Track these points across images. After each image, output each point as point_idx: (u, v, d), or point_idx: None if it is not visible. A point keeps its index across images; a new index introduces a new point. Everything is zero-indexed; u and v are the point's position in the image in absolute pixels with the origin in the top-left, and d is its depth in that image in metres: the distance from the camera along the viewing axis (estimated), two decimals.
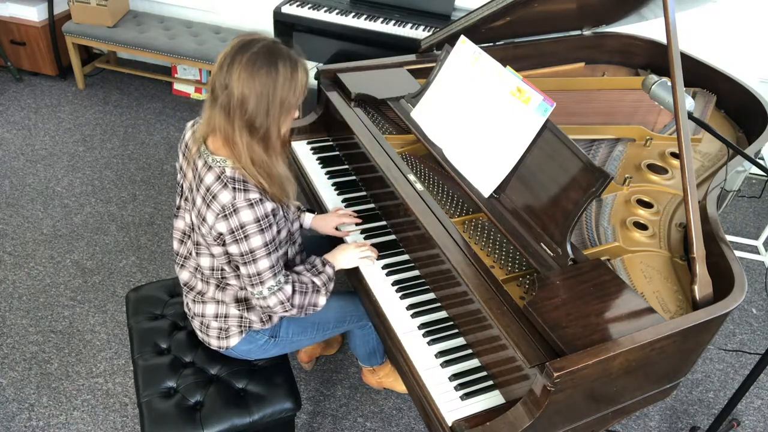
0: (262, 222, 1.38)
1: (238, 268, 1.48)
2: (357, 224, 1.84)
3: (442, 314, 1.61)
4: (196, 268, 1.58)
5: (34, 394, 2.14)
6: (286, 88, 1.34)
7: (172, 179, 3.18)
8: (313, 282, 1.56)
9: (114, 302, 2.49)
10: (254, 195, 1.37)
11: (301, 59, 1.39)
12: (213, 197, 1.37)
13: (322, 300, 1.57)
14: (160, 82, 4.00)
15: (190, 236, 1.57)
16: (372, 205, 1.92)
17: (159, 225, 2.88)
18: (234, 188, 1.36)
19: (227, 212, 1.36)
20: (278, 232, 1.46)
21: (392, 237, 1.82)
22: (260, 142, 1.38)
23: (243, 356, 1.68)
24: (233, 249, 1.41)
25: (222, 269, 1.53)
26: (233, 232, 1.37)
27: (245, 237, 1.38)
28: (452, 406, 1.39)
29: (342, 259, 1.66)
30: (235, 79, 1.31)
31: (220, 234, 1.39)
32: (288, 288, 1.49)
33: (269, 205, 1.40)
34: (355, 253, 1.67)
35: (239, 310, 1.60)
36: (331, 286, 1.61)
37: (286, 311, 1.52)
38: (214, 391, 1.62)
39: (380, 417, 2.18)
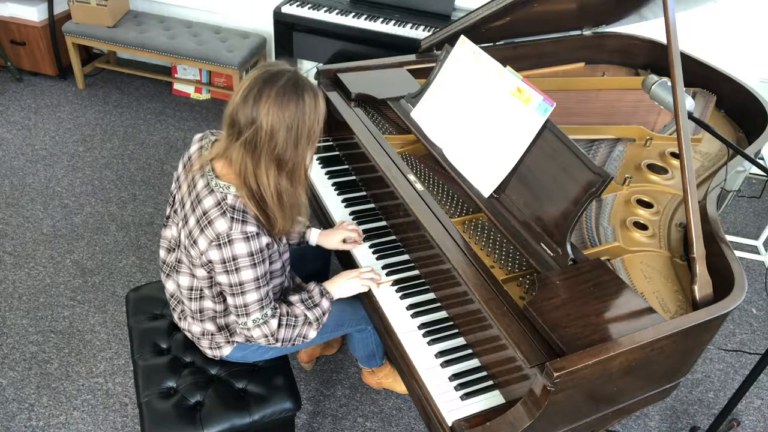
0: (255, 256, 1.36)
1: (222, 295, 1.47)
2: (362, 235, 1.80)
3: (442, 314, 1.61)
4: (179, 284, 1.58)
5: (34, 394, 2.14)
6: (311, 118, 1.34)
7: (172, 179, 3.18)
8: (305, 316, 1.54)
9: (114, 302, 2.49)
10: (251, 228, 1.35)
11: (319, 89, 1.39)
12: (209, 222, 1.35)
13: (312, 333, 1.55)
14: (160, 82, 4.00)
15: (177, 247, 1.55)
16: (372, 205, 1.92)
17: (159, 225, 2.88)
18: (232, 218, 1.34)
19: (221, 241, 1.33)
20: (271, 263, 1.45)
21: (392, 237, 1.82)
22: (288, 176, 1.37)
23: (240, 360, 1.68)
24: (222, 279, 1.39)
25: (201, 289, 1.52)
26: (224, 263, 1.35)
27: (236, 269, 1.36)
28: (452, 406, 1.39)
29: (341, 289, 1.62)
30: (264, 113, 1.28)
31: (210, 262, 1.37)
32: (273, 322, 1.47)
33: (264, 240, 1.38)
34: (356, 282, 1.63)
35: (223, 335, 1.60)
36: (325, 319, 1.58)
37: (270, 344, 1.51)
38: (214, 391, 1.62)
39: (380, 417, 2.18)
